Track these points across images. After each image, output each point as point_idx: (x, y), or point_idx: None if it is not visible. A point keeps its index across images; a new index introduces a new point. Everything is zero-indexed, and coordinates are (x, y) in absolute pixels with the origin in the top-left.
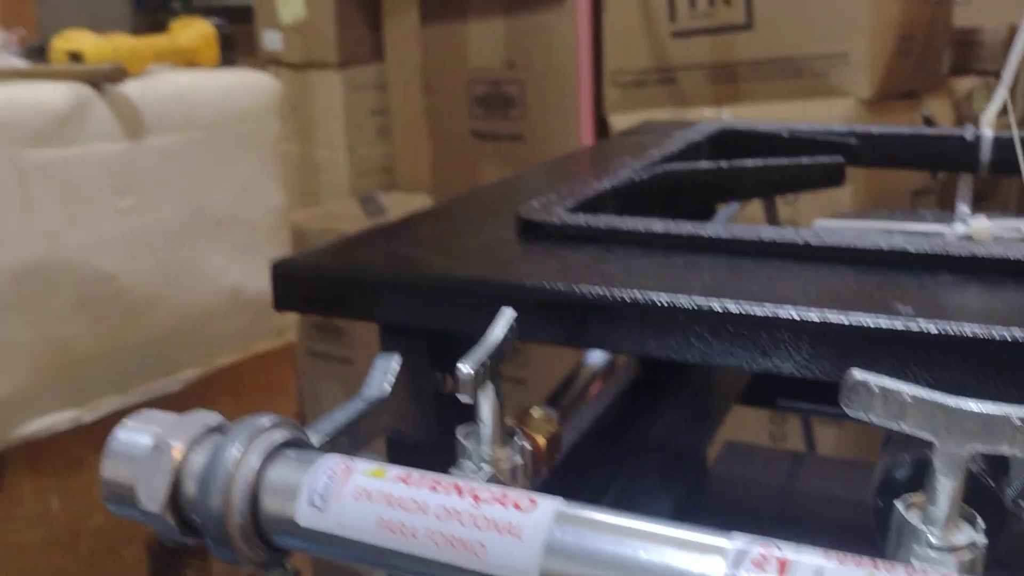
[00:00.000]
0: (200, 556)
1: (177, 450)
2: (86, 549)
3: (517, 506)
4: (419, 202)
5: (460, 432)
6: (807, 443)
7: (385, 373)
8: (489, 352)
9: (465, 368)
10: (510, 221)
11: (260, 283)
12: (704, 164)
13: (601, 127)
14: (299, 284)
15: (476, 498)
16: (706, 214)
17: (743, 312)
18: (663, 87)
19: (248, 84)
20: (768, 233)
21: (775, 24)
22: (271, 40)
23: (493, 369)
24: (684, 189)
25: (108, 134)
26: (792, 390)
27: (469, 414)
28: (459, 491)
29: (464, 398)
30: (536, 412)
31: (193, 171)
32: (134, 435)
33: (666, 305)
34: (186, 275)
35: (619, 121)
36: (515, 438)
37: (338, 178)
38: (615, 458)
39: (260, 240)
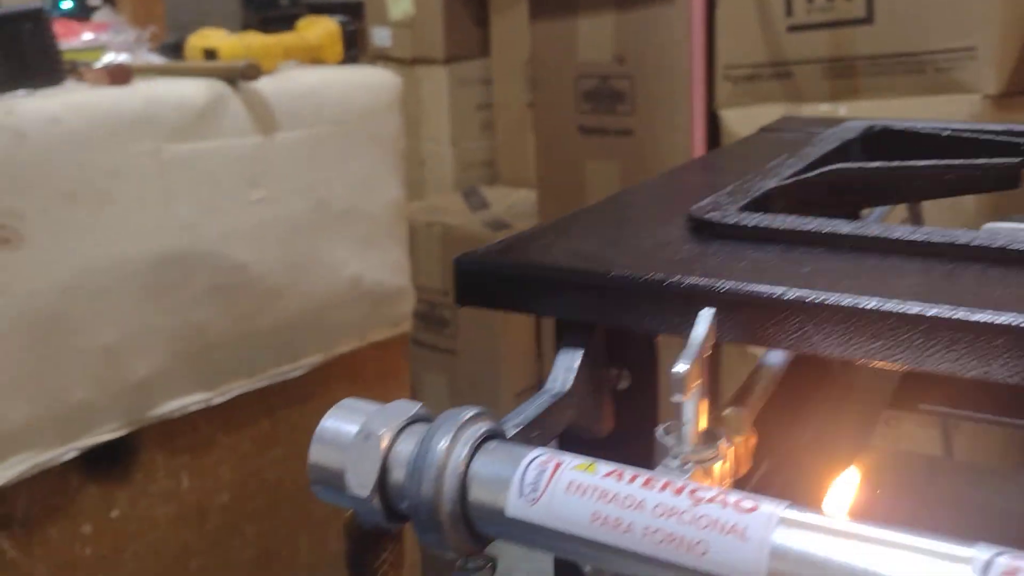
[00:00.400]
0: (395, 540)
1: (385, 438)
2: (212, 526)
3: (739, 507)
4: (522, 196)
5: (660, 431)
6: (946, 448)
7: (567, 368)
8: (696, 352)
9: (679, 368)
10: (679, 220)
11: (378, 274)
12: (876, 164)
13: (712, 123)
14: (482, 280)
15: (695, 497)
16: (850, 216)
17: (961, 319)
18: (777, 82)
19: (371, 80)
20: (964, 237)
21: (897, 18)
22: (380, 36)
23: (698, 369)
24: (854, 189)
25: (242, 129)
26: (935, 394)
27: (642, 411)
28: (676, 490)
29: (676, 398)
30: (730, 413)
31: (319, 165)
32: (341, 423)
33: (877, 309)
34: (310, 265)
35: (730, 117)
36: (719, 440)
37: (442, 172)
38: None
39: (379, 232)
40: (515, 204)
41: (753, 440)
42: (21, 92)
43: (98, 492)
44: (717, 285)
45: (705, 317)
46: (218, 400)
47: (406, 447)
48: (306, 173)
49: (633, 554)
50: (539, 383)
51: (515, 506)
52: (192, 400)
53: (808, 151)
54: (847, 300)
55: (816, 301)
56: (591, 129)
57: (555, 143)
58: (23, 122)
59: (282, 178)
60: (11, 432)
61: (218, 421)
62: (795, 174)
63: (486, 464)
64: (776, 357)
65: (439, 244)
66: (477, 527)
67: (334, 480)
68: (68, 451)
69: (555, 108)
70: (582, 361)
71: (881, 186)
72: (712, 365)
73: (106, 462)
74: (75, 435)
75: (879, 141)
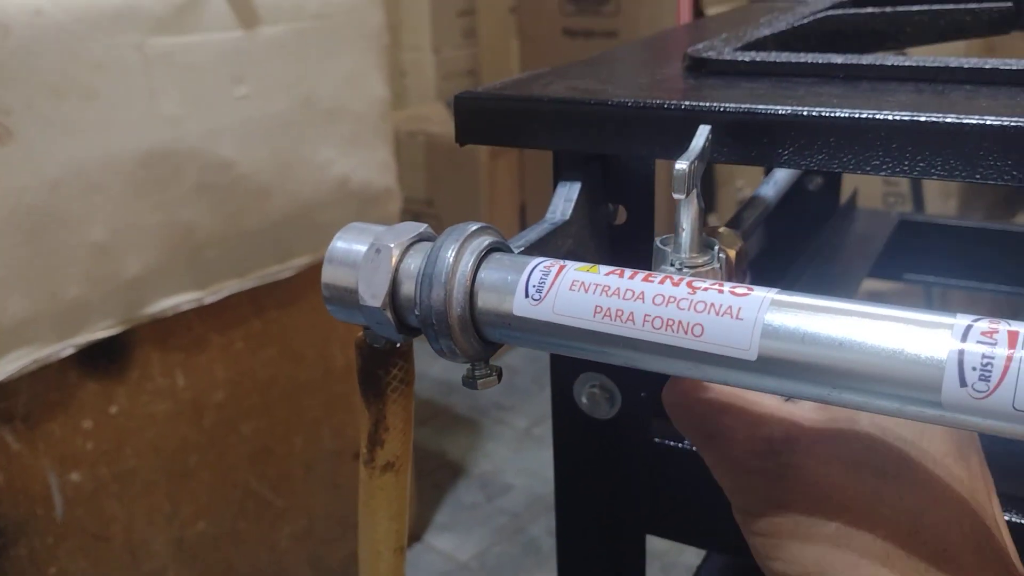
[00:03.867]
0: (405, 356)
1: (395, 252)
2: (209, 423)
3: (734, 292)
4: None
5: (659, 240)
6: None
7: (566, 199)
8: (695, 156)
9: (681, 165)
10: (675, 62)
11: (365, 174)
12: (870, 9)
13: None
14: (483, 116)
15: (692, 287)
16: None
17: (952, 121)
18: None
19: None
20: (955, 62)
21: None
22: None
23: (694, 179)
24: (846, 35)
25: (224, 23)
26: (919, 265)
27: (637, 247)
28: (675, 282)
29: (678, 195)
30: (723, 229)
31: (303, 61)
32: (351, 243)
33: (871, 118)
34: (297, 164)
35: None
36: (714, 248)
37: (424, 81)
38: None
39: (366, 131)
40: None
41: (743, 264)
42: None
43: (97, 388)
44: (714, 106)
45: (702, 133)
46: (210, 300)
47: (414, 261)
48: (290, 69)
49: (634, 341)
50: None
51: (521, 306)
52: (184, 299)
53: (801, 9)
54: (842, 112)
55: (811, 114)
56: (576, 31)
57: (539, 47)
58: (6, 15)
59: (266, 74)
60: (9, 327)
61: (211, 321)
62: (790, 22)
63: (492, 272)
64: (769, 191)
65: (423, 153)
66: (484, 332)
67: (347, 296)
68: (65, 347)
69: (540, 10)
70: (580, 193)
71: (874, 31)
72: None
73: (103, 360)
74: (71, 331)
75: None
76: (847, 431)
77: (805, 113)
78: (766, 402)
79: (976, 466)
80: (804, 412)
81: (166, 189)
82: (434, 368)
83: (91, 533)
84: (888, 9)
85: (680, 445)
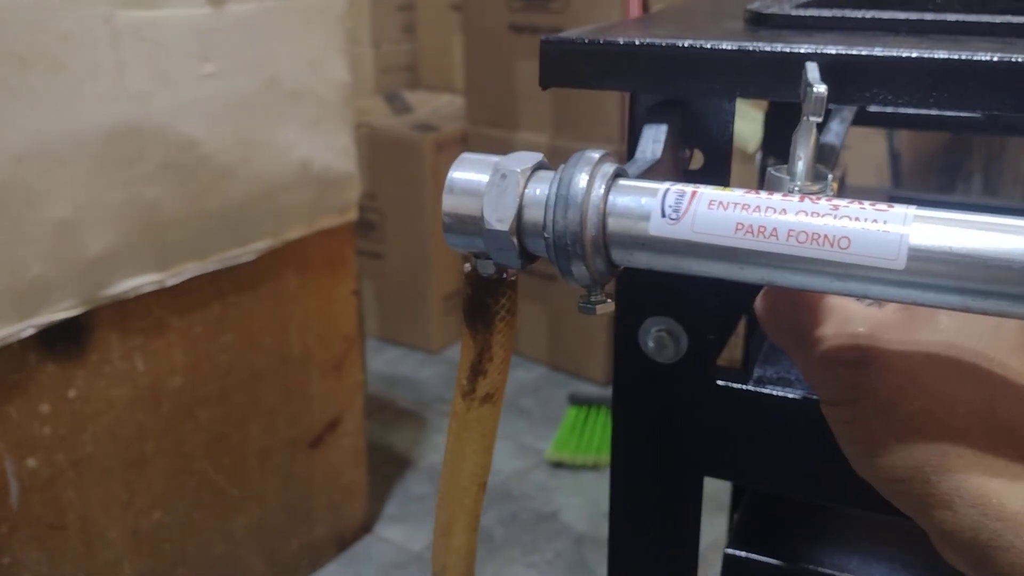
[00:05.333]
0: (512, 288)
1: (521, 179)
2: (166, 409)
3: (875, 208)
4: (446, 100)
5: (772, 169)
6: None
7: (655, 140)
8: (820, 78)
9: (821, 87)
10: (734, 20)
11: (327, 158)
12: None
13: None
14: (569, 58)
15: (832, 204)
16: None
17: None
18: None
19: None
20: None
21: None
22: None
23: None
24: (882, 2)
25: None
26: None
27: None
28: (814, 199)
29: (815, 119)
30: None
31: (268, 40)
32: (470, 172)
33: (958, 59)
34: (260, 145)
35: None
36: (827, 177)
37: (363, 75)
38: None
39: (328, 115)
40: (439, 108)
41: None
42: None
43: (56, 371)
44: (814, 48)
45: (812, 68)
46: (171, 282)
47: (539, 187)
48: (256, 48)
49: (778, 256)
50: None
51: (658, 226)
52: (145, 280)
53: None
54: (939, 54)
55: (907, 56)
56: (522, 27)
57: (485, 42)
58: None
59: (233, 53)
60: None
61: (171, 304)
62: None
63: (623, 195)
64: (833, 136)
65: (366, 146)
66: (613, 256)
67: (469, 224)
68: (26, 327)
69: (485, 7)
70: (666, 135)
71: None
72: None
73: (62, 342)
74: (32, 311)
75: None
76: (926, 326)
77: (902, 55)
78: (851, 306)
79: None
80: (888, 313)
81: (132, 166)
82: (375, 362)
83: (46, 522)
84: None
85: (743, 387)
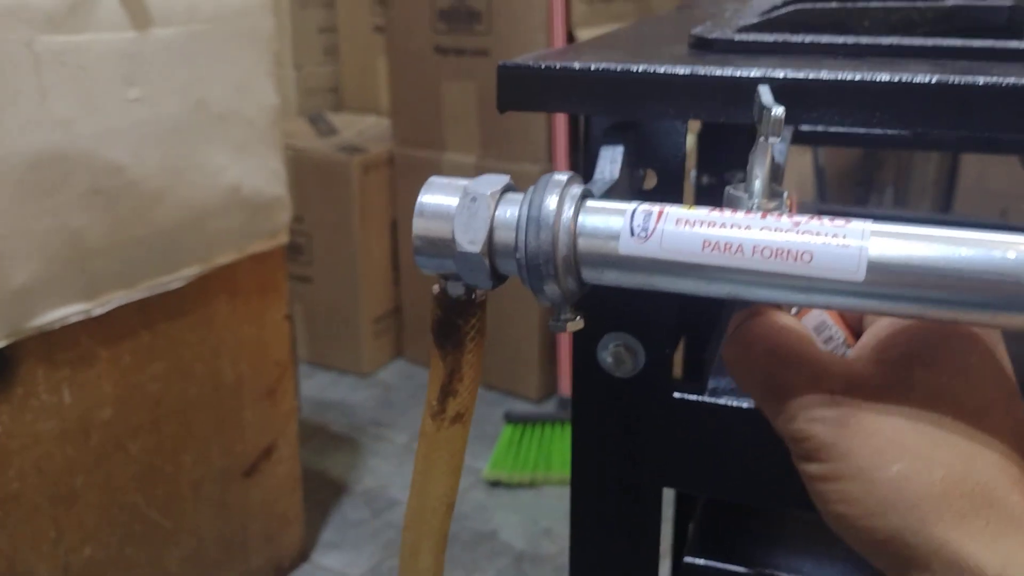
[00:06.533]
0: (482, 308)
1: (491, 201)
2: (95, 442)
3: (833, 223)
4: (371, 122)
5: (730, 187)
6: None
7: (612, 161)
8: (775, 102)
9: (779, 109)
10: (676, 45)
11: (256, 182)
12: (834, 3)
13: (570, 43)
14: (527, 83)
15: (793, 220)
16: None
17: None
18: (631, 1)
19: None
20: (958, 43)
21: None
22: None
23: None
24: (811, 25)
25: (116, 23)
26: None
27: None
28: (775, 216)
29: (773, 139)
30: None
31: (195, 64)
32: (440, 196)
33: (896, 82)
34: (189, 169)
35: (586, 36)
36: (782, 195)
37: (285, 97)
38: None
39: (257, 138)
40: (364, 130)
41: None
42: None
43: None
44: (765, 72)
45: (764, 91)
46: (98, 311)
47: (508, 210)
48: (183, 72)
49: (745, 271)
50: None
51: (628, 245)
52: (72, 311)
53: (757, 4)
54: (881, 77)
55: (850, 80)
56: (447, 49)
57: (409, 64)
58: None
59: (159, 77)
60: None
61: (98, 335)
62: (762, 14)
63: (592, 215)
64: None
65: (292, 169)
66: (584, 274)
67: (441, 246)
68: None
69: (410, 28)
70: (623, 156)
71: (837, 22)
72: None
73: None
74: None
75: None
76: (902, 382)
77: (847, 78)
78: (824, 357)
79: (1021, 415)
80: (862, 366)
81: (56, 193)
82: (307, 387)
83: None
84: (849, 4)
85: (699, 399)
